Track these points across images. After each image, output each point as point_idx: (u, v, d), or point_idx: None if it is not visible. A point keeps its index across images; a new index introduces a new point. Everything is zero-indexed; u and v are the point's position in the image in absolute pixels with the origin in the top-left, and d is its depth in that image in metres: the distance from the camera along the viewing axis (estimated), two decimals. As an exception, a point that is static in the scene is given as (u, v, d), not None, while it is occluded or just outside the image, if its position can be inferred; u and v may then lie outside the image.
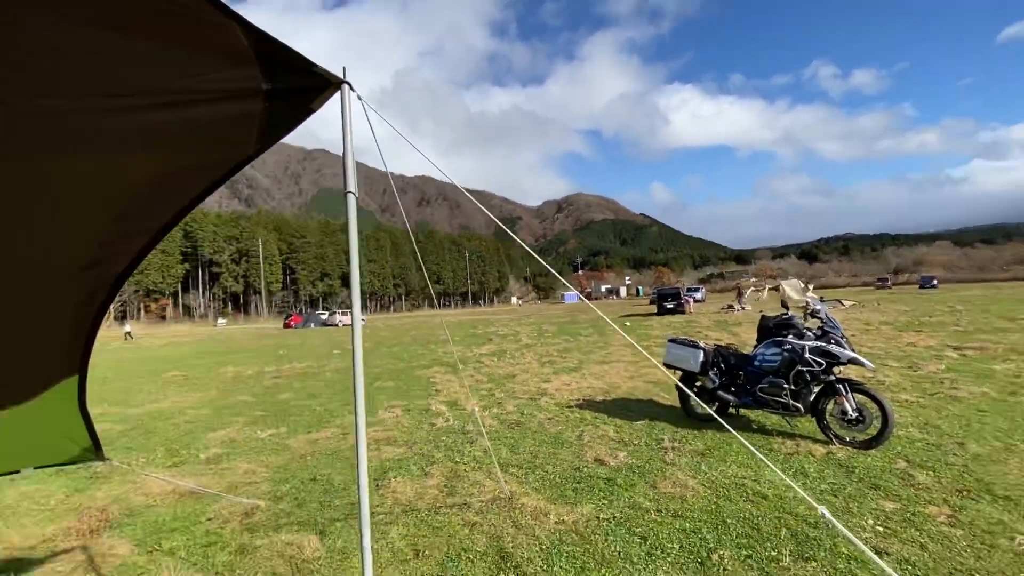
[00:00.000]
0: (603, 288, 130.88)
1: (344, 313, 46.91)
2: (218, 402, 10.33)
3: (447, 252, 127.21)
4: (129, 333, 41.51)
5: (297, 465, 5.78)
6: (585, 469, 5.05)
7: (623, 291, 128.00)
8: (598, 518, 3.95)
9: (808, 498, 2.27)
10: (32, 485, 5.40)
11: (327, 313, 53.78)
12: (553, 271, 2.66)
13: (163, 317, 78.38)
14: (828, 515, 1.95)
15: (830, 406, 5.52)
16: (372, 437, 6.68)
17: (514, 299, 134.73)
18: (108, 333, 45.41)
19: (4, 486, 5.36)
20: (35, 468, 2.92)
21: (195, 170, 1.93)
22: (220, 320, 71.77)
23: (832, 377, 5.50)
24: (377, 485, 4.92)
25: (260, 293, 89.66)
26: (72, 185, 1.78)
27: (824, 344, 5.54)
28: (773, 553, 3.30)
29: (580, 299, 3.32)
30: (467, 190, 2.88)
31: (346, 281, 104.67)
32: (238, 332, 42.30)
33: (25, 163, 1.63)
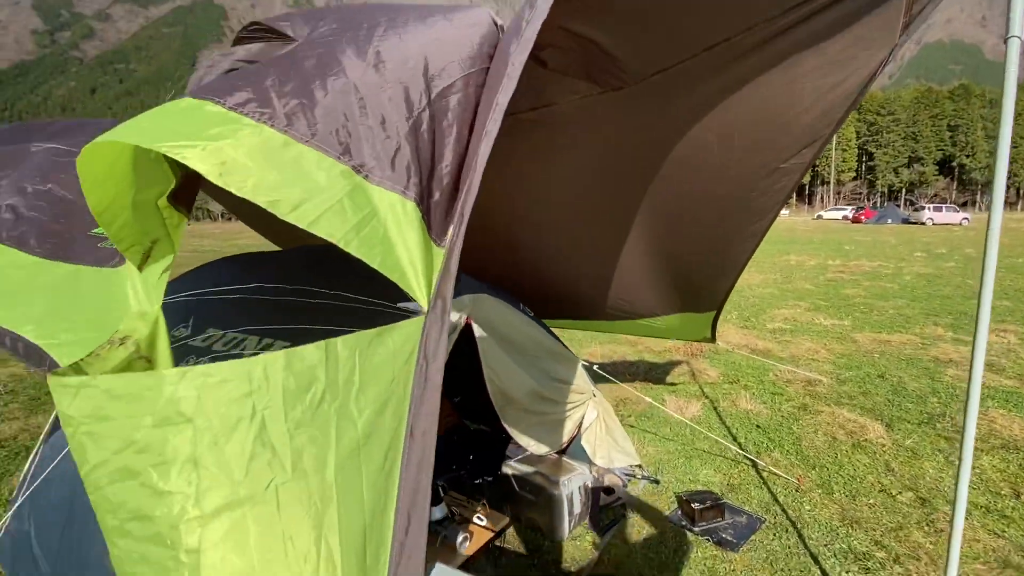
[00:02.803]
0: None
1: (936, 208, 37.14)
2: (781, 285, 11.05)
3: None
4: None
5: (863, 359, 5.62)
6: None
7: None
8: None
9: None
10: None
11: (911, 207, 44.32)
12: None
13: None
14: None
15: None
16: (967, 358, 5.51)
17: None
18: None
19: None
20: (675, 339, 4.29)
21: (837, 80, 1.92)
22: (783, 211, 72.77)
23: None
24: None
25: (828, 183, 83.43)
26: (753, 118, 2.00)
27: None
28: None
29: None
30: None
31: (944, 167, 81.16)
32: (799, 223, 41.93)
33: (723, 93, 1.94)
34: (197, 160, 0.79)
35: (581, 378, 3.00)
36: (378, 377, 0.80)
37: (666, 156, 2.14)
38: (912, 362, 5.43)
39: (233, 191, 0.79)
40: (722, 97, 1.84)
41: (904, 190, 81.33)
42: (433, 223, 0.91)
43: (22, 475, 2.73)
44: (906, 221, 38.82)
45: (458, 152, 0.98)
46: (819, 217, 50.11)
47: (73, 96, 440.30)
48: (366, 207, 0.86)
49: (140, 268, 0.99)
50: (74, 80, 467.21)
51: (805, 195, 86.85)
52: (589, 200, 2.58)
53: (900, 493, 2.99)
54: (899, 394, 4.51)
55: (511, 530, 2.72)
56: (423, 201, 0.90)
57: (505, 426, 2.60)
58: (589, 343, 6.62)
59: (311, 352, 0.80)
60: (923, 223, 35.53)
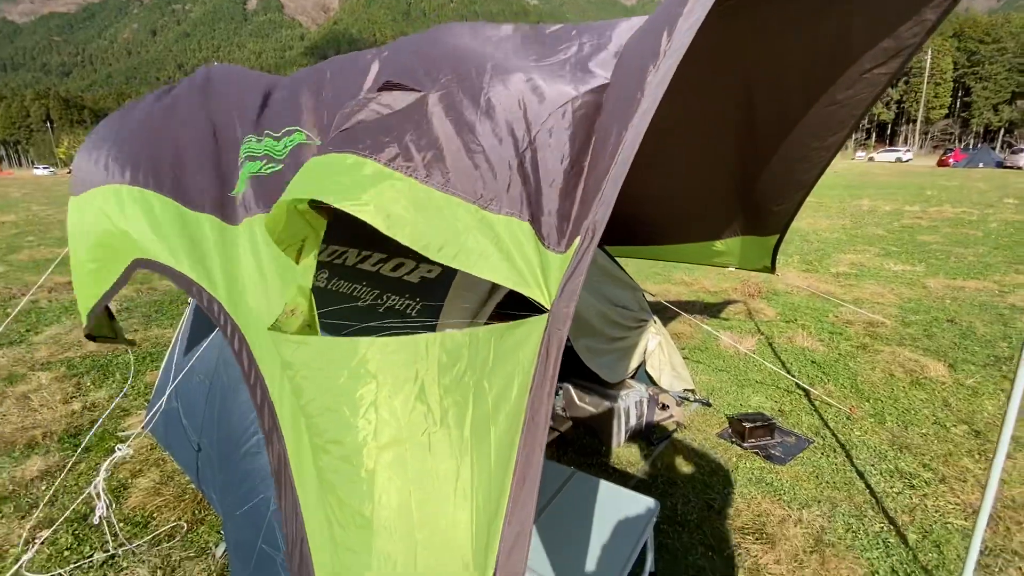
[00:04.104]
0: None
1: (1040, 151, 32.98)
2: (850, 230, 10.51)
3: None
4: None
5: (932, 304, 5.44)
6: None
7: None
8: None
9: None
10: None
11: (1009, 149, 39.63)
12: None
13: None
14: None
15: None
16: (1049, 303, 5.22)
17: None
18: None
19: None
20: (736, 268, 4.20)
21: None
22: (859, 153, 66.73)
23: None
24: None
25: (914, 121, 75.34)
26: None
27: None
28: None
29: None
30: None
31: (1059, 103, 71.14)
32: (876, 167, 38.58)
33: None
34: (370, 216, 1.06)
35: (641, 305, 3.15)
36: (506, 361, 1.00)
37: (746, 69, 2.14)
38: (986, 308, 5.21)
39: (397, 239, 1.04)
40: (809, 7, 1.82)
41: (1003, 130, 72.39)
42: (547, 235, 1.07)
43: (160, 371, 3.24)
44: (1000, 165, 34.90)
45: (566, 170, 1.13)
46: (871, 160, 45.35)
47: (136, 39, 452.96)
48: (490, 233, 1.07)
49: (297, 261, 1.28)
50: (136, 22, 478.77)
51: (886, 136, 79.19)
52: (661, 117, 2.59)
53: (955, 426, 3.04)
54: (967, 338, 4.40)
55: (571, 435, 3.01)
56: (535, 219, 1.08)
57: (580, 356, 2.81)
58: (642, 281, 6.69)
59: (459, 336, 1.03)
60: (1020, 167, 31.85)
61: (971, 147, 57.52)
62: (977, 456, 2.73)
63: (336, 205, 1.10)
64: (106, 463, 1.97)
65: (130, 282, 7.34)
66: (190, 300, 3.15)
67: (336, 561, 1.04)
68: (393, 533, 0.99)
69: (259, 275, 1.47)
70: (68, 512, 2.20)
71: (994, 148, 52.51)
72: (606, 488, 1.84)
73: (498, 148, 1.16)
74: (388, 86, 1.33)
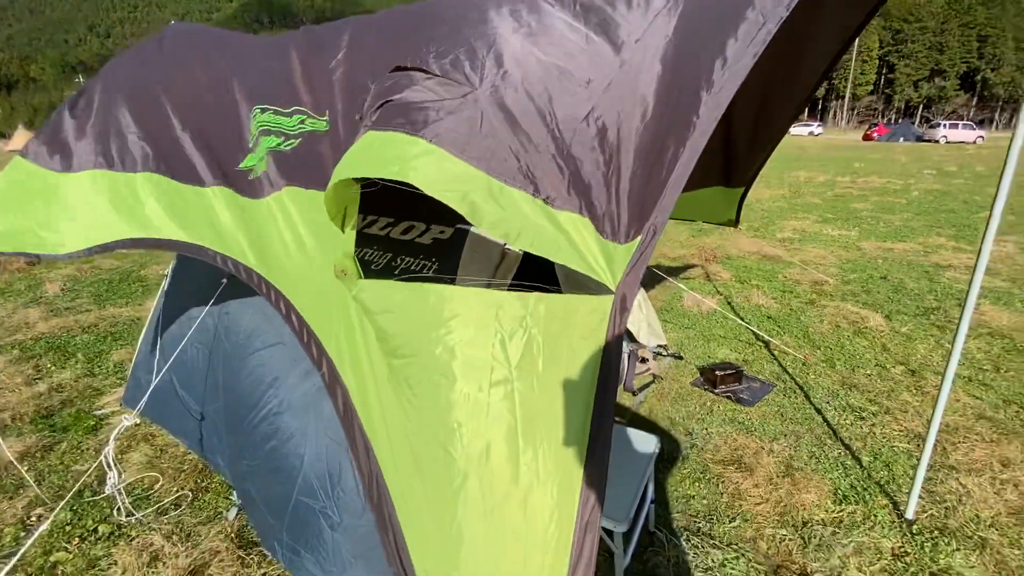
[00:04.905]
0: None
1: (952, 125, 35.94)
2: (790, 199, 11.20)
3: None
4: None
5: (867, 264, 5.98)
6: None
7: None
8: None
9: None
10: (684, 226, 8.05)
11: (927, 124, 42.87)
12: None
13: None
14: None
15: None
16: (965, 263, 5.87)
17: None
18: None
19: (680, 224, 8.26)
20: (704, 222, 4.42)
21: None
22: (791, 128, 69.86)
23: None
24: (959, 302, 4.58)
25: (842, 97, 79.71)
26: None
27: None
28: None
29: None
30: None
31: (967, 81, 77.22)
32: (808, 141, 40.82)
33: None
34: (455, 204, 1.11)
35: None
36: (584, 327, 1.13)
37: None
38: (913, 266, 5.79)
39: (480, 226, 1.12)
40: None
41: (922, 106, 77.99)
42: (603, 229, 1.17)
43: (137, 347, 3.13)
44: (920, 139, 37.78)
45: (604, 166, 1.21)
46: (940, 140, 48.06)
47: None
48: (557, 225, 1.17)
49: (343, 230, 1.33)
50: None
51: (817, 111, 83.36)
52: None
53: (893, 367, 3.45)
54: (899, 292, 4.91)
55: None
56: (592, 214, 1.19)
57: None
58: (607, 250, 6.92)
59: (559, 298, 1.15)
60: (937, 141, 34.60)
61: (893, 122, 61.67)
62: (914, 391, 3.13)
63: (429, 192, 1.12)
64: (114, 432, 1.94)
65: (71, 263, 6.79)
66: (166, 274, 3.04)
67: (418, 484, 1.14)
68: (501, 450, 1.12)
69: (297, 245, 1.48)
70: (78, 485, 2.16)
71: (914, 123, 56.53)
72: (613, 428, 2.01)
73: (548, 144, 1.23)
74: (423, 71, 1.32)
